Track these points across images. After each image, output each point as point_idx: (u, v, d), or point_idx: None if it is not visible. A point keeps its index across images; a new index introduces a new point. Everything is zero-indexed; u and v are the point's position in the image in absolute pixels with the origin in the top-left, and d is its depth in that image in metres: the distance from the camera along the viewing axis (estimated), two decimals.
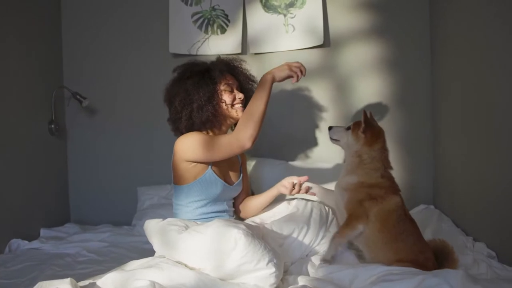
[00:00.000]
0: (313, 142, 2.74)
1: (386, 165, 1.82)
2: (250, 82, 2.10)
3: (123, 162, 2.94)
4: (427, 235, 2.02)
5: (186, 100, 1.92)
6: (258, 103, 1.82)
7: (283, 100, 2.70)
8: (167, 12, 2.82)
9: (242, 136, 1.80)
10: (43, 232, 2.57)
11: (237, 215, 2.12)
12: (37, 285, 1.41)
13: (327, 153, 2.67)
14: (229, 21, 2.79)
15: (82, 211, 2.99)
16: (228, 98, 1.97)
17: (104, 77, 2.95)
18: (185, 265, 1.62)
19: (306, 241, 1.87)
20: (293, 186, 1.96)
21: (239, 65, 2.09)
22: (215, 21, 2.80)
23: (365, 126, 1.80)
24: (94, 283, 1.51)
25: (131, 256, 2.04)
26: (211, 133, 2.00)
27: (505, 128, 1.71)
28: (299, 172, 2.51)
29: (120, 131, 2.94)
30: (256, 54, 2.77)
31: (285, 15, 2.72)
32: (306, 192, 1.99)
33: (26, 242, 2.37)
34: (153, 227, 1.82)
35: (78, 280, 1.48)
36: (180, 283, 1.48)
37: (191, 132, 1.91)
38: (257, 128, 1.80)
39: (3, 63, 2.41)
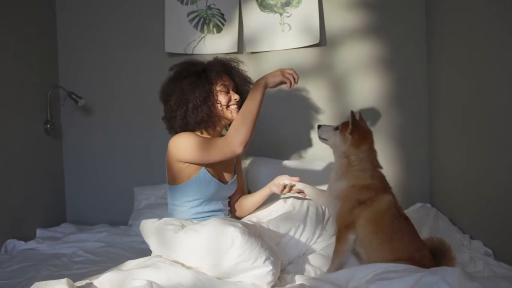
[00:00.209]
0: (309, 141, 2.74)
1: (375, 165, 1.82)
2: (247, 84, 2.10)
3: (119, 161, 2.93)
4: (424, 233, 2.02)
5: (182, 100, 1.92)
6: (250, 109, 1.82)
7: (279, 99, 2.69)
8: (163, 11, 2.81)
9: (233, 142, 1.80)
10: (39, 232, 2.56)
11: (232, 214, 2.12)
12: (33, 285, 1.40)
13: (322, 152, 2.67)
14: (225, 20, 2.78)
15: (78, 211, 2.97)
16: (224, 99, 1.96)
17: (100, 77, 2.93)
18: (182, 264, 1.62)
19: (303, 239, 1.88)
20: (284, 186, 1.97)
21: (237, 66, 2.09)
22: (211, 20, 2.79)
23: (352, 127, 1.79)
24: (91, 283, 1.50)
25: (128, 256, 2.03)
26: (205, 133, 2.00)
27: (502, 126, 1.72)
28: (295, 170, 2.52)
29: (116, 130, 2.93)
30: (252, 53, 2.77)
31: (281, 14, 2.72)
32: (298, 193, 2.00)
33: (22, 242, 2.36)
34: (149, 227, 1.81)
35: (74, 281, 1.48)
36: (177, 283, 1.48)
37: (185, 133, 1.91)
38: (249, 133, 1.81)
39: None
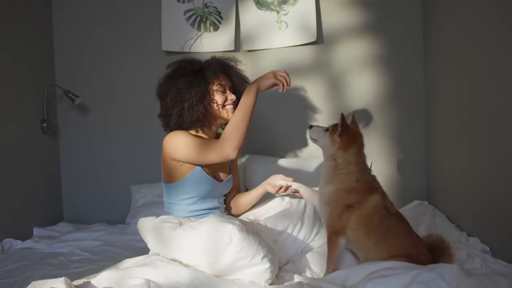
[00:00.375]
0: (306, 139, 2.74)
1: (363, 169, 1.80)
2: (244, 83, 2.08)
3: (116, 160, 2.93)
4: (421, 230, 2.02)
5: (178, 98, 1.91)
6: (243, 114, 1.82)
7: (276, 97, 2.67)
8: (160, 9, 2.81)
9: (226, 148, 1.80)
10: (36, 231, 2.55)
11: (228, 212, 2.12)
12: (30, 284, 1.39)
13: (319, 150, 2.65)
14: (221, 18, 2.78)
15: (75, 210, 2.97)
16: (220, 98, 1.96)
17: (97, 75, 2.93)
18: (180, 262, 1.62)
19: (301, 237, 1.88)
20: (280, 187, 1.98)
21: (234, 65, 2.08)
22: (207, 18, 2.79)
23: (341, 129, 1.78)
24: (89, 282, 1.50)
25: (125, 254, 2.03)
26: (200, 132, 1.99)
27: (498, 124, 1.72)
28: (292, 168, 2.52)
29: (113, 128, 2.92)
30: (249, 51, 2.76)
31: (278, 12, 2.72)
32: (293, 193, 2.01)
33: (19, 241, 2.36)
34: (147, 225, 1.81)
35: (72, 280, 1.47)
36: (176, 281, 1.48)
37: (180, 132, 1.90)
38: (242, 139, 1.81)
39: None
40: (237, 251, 1.53)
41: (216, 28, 2.79)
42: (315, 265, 1.76)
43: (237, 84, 2.05)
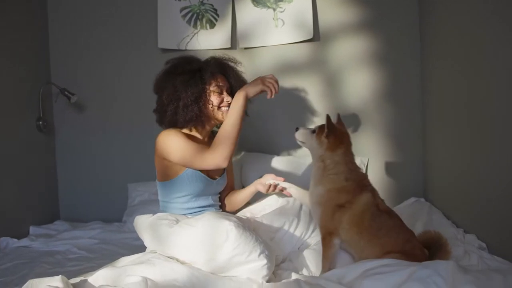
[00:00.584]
0: None
1: (352, 168, 1.80)
2: (242, 86, 2.08)
3: (112, 158, 2.92)
4: (418, 227, 2.02)
5: (174, 96, 1.90)
6: (232, 122, 1.83)
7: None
8: (156, 7, 2.80)
9: (218, 157, 1.82)
10: (32, 229, 2.55)
11: (223, 209, 2.12)
12: (27, 283, 1.39)
13: None
14: (218, 15, 2.77)
15: (71, 208, 2.96)
16: (216, 100, 1.95)
17: (93, 73, 2.92)
18: (177, 260, 1.62)
19: (297, 233, 1.88)
20: (269, 186, 1.98)
21: (234, 67, 2.06)
22: (204, 15, 2.78)
23: (328, 131, 1.78)
24: (86, 280, 1.50)
25: (122, 252, 2.03)
26: (194, 131, 1.98)
27: (495, 121, 1.72)
28: (288, 166, 2.53)
29: (109, 127, 2.92)
30: (245, 48, 2.76)
31: (274, 9, 2.72)
32: (281, 191, 2.01)
33: (16, 240, 2.35)
34: (143, 223, 1.81)
35: (69, 278, 1.47)
36: (173, 278, 1.48)
37: (173, 132, 1.89)
38: (233, 146, 1.83)
39: None
40: (233, 247, 1.53)
41: (212, 25, 2.78)
42: (312, 263, 1.76)
43: (235, 86, 2.03)
